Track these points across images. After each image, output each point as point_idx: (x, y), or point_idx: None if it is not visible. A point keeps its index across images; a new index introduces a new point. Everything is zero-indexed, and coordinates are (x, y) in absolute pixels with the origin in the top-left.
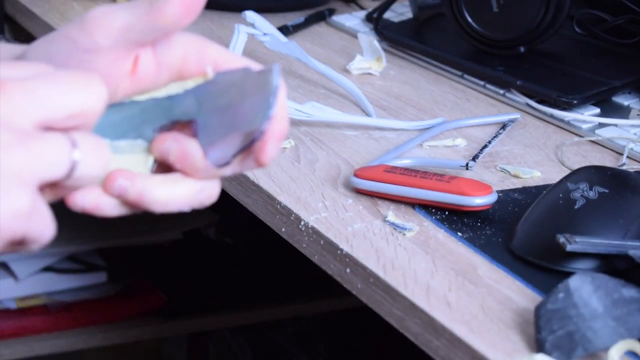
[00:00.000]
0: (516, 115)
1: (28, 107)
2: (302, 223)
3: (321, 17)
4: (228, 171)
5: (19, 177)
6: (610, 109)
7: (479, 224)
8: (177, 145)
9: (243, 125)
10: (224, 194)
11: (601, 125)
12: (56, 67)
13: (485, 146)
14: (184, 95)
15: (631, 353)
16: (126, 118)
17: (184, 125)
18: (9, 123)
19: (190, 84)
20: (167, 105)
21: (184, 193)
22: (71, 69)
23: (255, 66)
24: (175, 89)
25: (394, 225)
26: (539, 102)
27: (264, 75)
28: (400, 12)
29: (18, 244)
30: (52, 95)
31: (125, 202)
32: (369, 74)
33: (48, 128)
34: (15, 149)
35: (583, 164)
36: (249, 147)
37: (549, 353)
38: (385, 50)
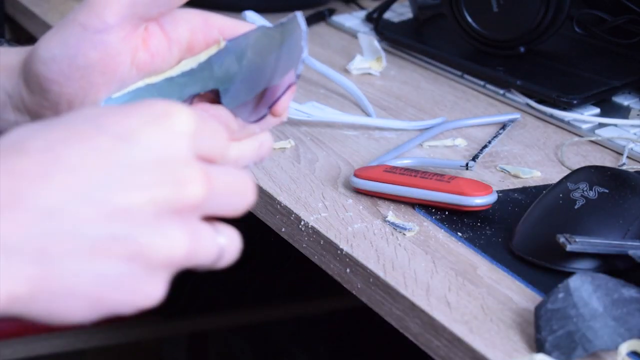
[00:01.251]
0: (516, 115)
1: (209, 205)
2: (302, 223)
3: (321, 17)
4: (264, 125)
5: (175, 268)
6: (610, 109)
7: (479, 224)
8: (207, 115)
9: (272, 78)
10: None
11: (601, 125)
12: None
13: (485, 146)
14: (199, 68)
15: (632, 353)
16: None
17: (203, 96)
18: (188, 215)
19: (203, 56)
20: (183, 81)
21: (250, 149)
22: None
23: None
24: (188, 64)
25: (394, 225)
26: (539, 102)
27: (284, 26)
28: (400, 12)
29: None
30: (226, 202)
31: None
32: (369, 74)
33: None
34: (186, 243)
35: (583, 164)
36: (284, 94)
37: (549, 353)
38: (385, 50)
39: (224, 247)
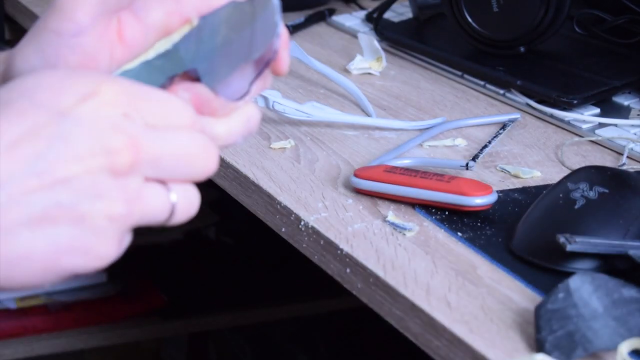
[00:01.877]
0: (516, 115)
1: (151, 169)
2: (302, 223)
3: (321, 17)
4: (248, 99)
5: (120, 227)
6: (610, 109)
7: (479, 224)
8: (190, 94)
9: (249, 54)
10: (224, 194)
11: (601, 125)
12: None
13: (485, 146)
14: (174, 49)
15: (633, 353)
16: None
17: (183, 77)
18: (124, 178)
19: (176, 36)
20: (160, 64)
21: (238, 124)
22: (190, 139)
23: None
24: (163, 46)
25: (394, 225)
26: (539, 102)
27: (255, 1)
28: (400, 12)
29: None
30: (171, 167)
31: None
32: (369, 74)
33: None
34: (124, 203)
35: (583, 164)
36: (264, 70)
37: (549, 353)
38: (385, 50)
39: (176, 204)
